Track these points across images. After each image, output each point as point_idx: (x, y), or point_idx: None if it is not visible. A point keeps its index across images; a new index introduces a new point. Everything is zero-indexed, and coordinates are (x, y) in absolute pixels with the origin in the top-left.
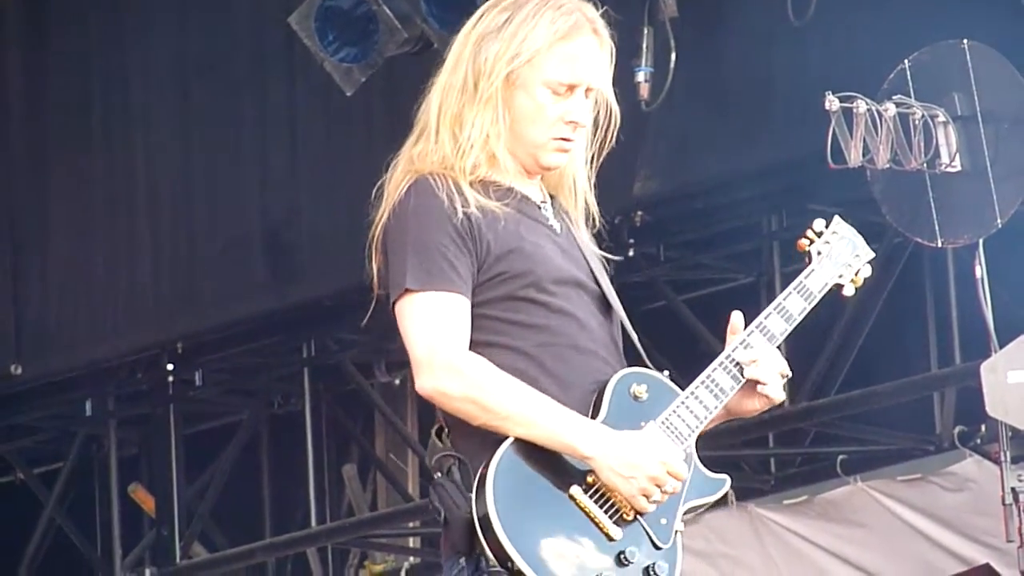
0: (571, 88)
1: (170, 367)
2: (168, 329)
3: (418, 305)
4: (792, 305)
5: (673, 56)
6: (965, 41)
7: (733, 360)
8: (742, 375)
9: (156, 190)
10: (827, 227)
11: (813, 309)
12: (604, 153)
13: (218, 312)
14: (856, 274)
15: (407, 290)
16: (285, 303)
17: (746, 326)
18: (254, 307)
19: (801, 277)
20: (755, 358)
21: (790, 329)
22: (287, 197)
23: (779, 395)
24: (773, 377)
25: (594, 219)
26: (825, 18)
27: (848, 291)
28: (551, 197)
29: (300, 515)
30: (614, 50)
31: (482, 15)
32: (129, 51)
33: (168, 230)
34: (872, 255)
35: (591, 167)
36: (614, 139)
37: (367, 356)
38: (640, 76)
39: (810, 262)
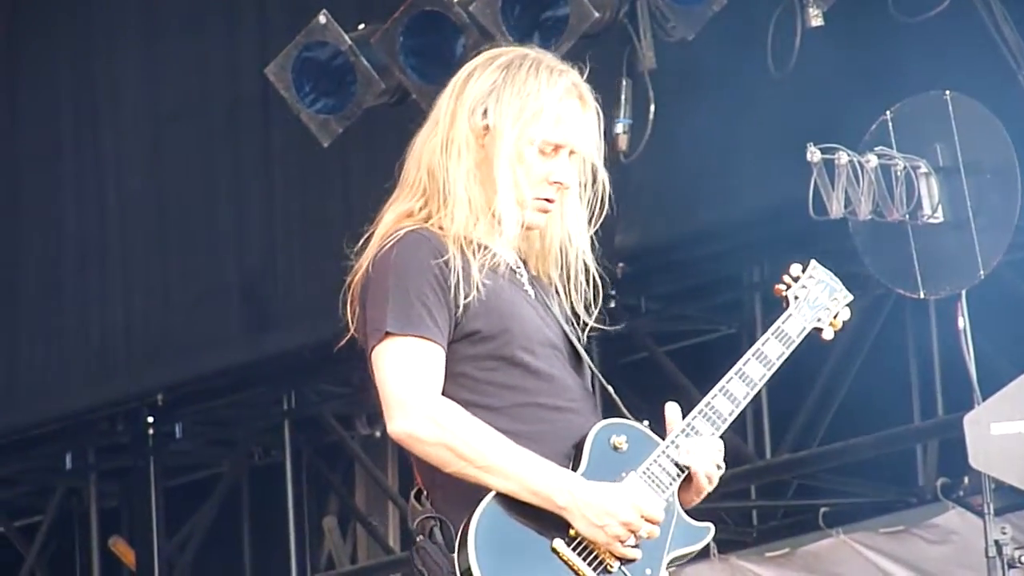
0: (557, 149)
1: (150, 419)
2: (140, 381)
3: (396, 349)
4: (770, 350)
5: (652, 107)
6: (947, 92)
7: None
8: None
9: (128, 239)
10: (803, 271)
11: (793, 359)
12: (596, 219)
13: (193, 364)
14: (835, 317)
15: (387, 333)
16: (261, 354)
17: (725, 372)
18: (230, 358)
19: (779, 322)
20: (691, 449)
21: (769, 374)
22: (262, 247)
23: (705, 485)
24: (706, 467)
25: (591, 291)
26: (806, 69)
27: (827, 334)
28: (524, 263)
29: (281, 568)
30: (600, 115)
31: (470, 74)
32: (100, 98)
33: (141, 280)
34: (850, 298)
35: (591, 231)
36: (604, 204)
37: (348, 408)
38: (619, 128)
39: (787, 307)
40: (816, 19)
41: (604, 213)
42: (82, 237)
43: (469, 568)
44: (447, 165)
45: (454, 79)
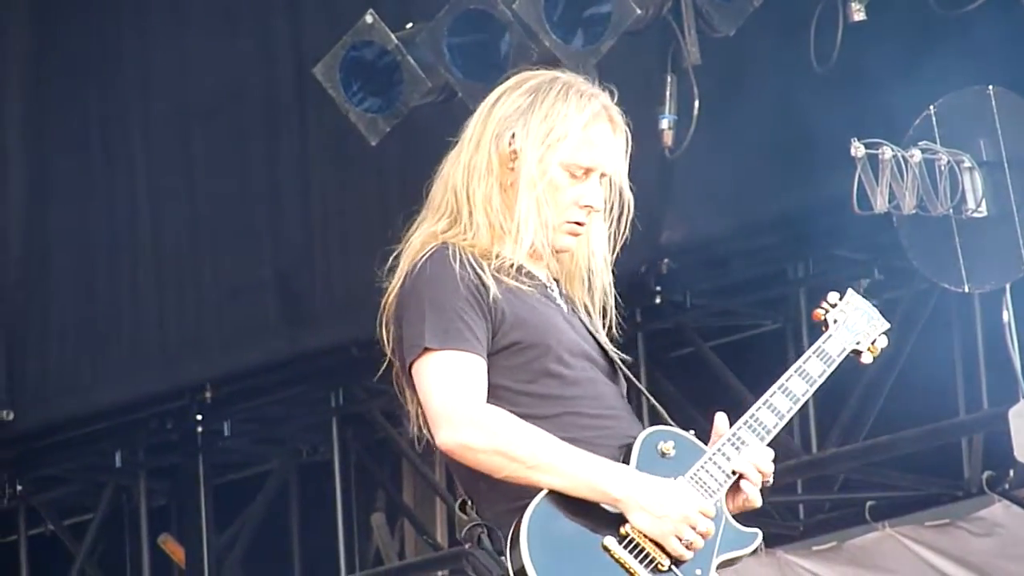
0: (587, 172)
1: (199, 417)
2: (182, 377)
3: (436, 363)
4: (812, 368)
5: (696, 103)
6: (990, 87)
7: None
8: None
9: (161, 238)
10: (841, 299)
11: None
12: (620, 242)
13: (232, 359)
14: (873, 343)
15: (426, 349)
16: (299, 351)
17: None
18: (269, 354)
19: (819, 342)
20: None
21: (811, 391)
22: (298, 244)
23: (756, 500)
24: (755, 475)
25: (609, 316)
26: (849, 64)
27: (866, 359)
28: (556, 282)
29: (329, 563)
30: (629, 138)
31: (501, 96)
32: (131, 96)
33: (174, 278)
34: (887, 326)
35: (611, 256)
36: (629, 230)
37: (395, 405)
38: (664, 123)
39: (826, 329)
40: (859, 13)
41: (627, 238)
42: (113, 235)
43: (523, 567)
44: (471, 188)
45: (484, 102)
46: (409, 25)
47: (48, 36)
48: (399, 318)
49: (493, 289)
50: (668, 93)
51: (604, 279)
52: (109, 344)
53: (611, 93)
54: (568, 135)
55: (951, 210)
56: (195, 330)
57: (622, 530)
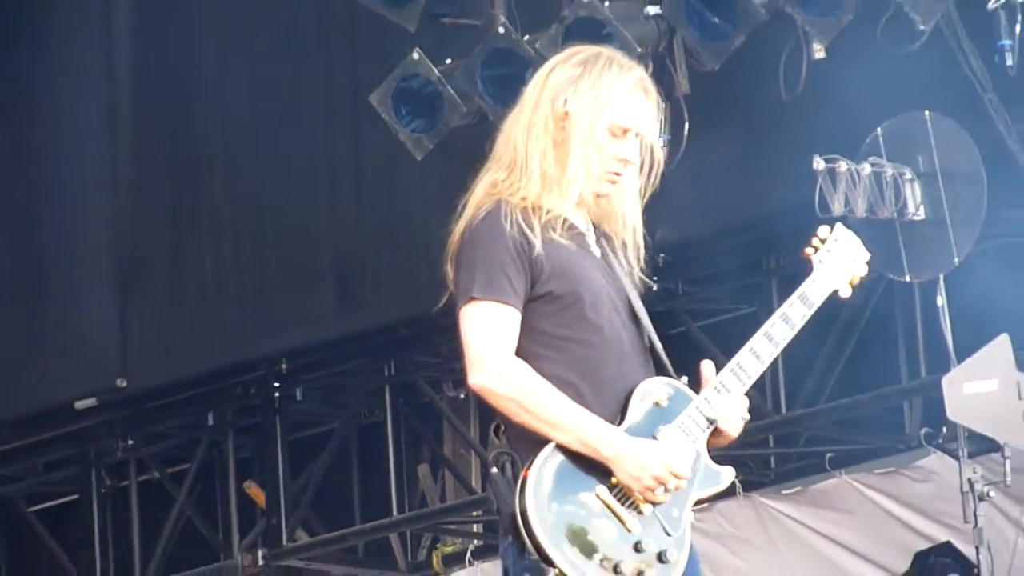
0: (625, 132)
1: (276, 385)
2: (259, 349)
3: (478, 312)
4: (794, 312)
5: (686, 126)
6: (927, 112)
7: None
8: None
9: (242, 237)
10: (831, 233)
11: (802, 334)
12: (650, 190)
13: (299, 338)
14: (853, 276)
15: (472, 298)
16: (357, 329)
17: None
18: (332, 334)
19: (803, 286)
20: (720, 405)
21: (792, 335)
22: (355, 242)
23: (733, 434)
24: (732, 420)
25: (640, 250)
26: (810, 93)
27: (844, 292)
28: (594, 226)
29: (383, 505)
30: (660, 103)
31: (555, 66)
32: (214, 113)
33: (253, 270)
34: (868, 256)
35: (643, 201)
36: (658, 180)
37: (437, 375)
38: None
39: (811, 271)
40: (820, 52)
41: (657, 183)
42: (202, 227)
43: (525, 509)
44: (528, 143)
45: (540, 71)
46: (448, 61)
47: (144, 45)
48: (457, 262)
49: (537, 247)
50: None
51: (636, 219)
52: (202, 324)
53: (645, 67)
54: (612, 101)
55: (895, 214)
56: (271, 313)
57: (612, 479)
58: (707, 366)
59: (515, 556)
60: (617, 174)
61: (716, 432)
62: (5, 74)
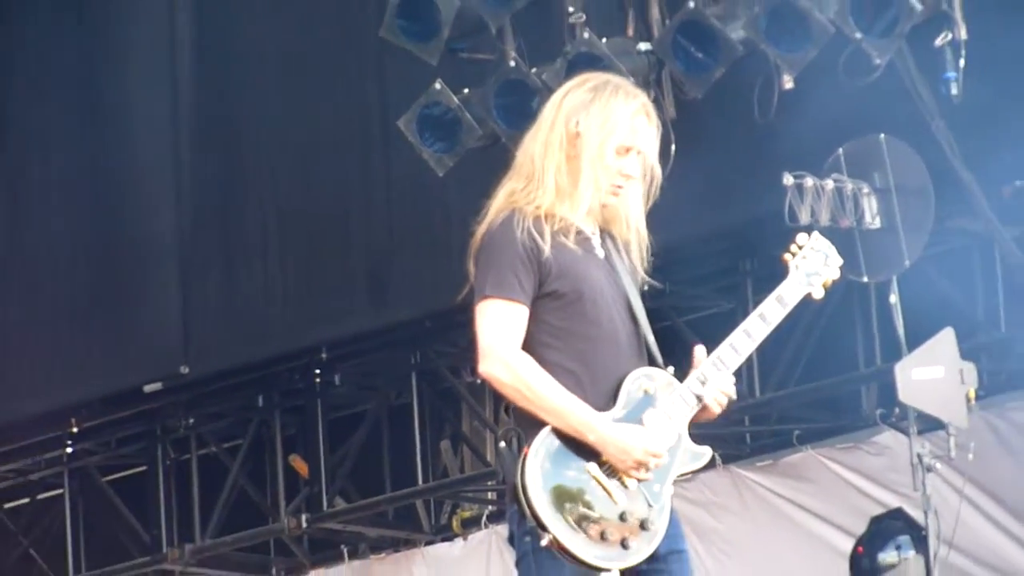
0: (628, 150)
1: (317, 371)
2: (301, 342)
3: (490, 308)
4: (770, 310)
5: (673, 147)
6: (882, 135)
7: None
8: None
9: (287, 241)
10: (808, 240)
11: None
12: (651, 199)
13: (337, 331)
14: (827, 280)
15: (485, 296)
16: (388, 323)
17: (726, 336)
18: (365, 327)
19: (779, 288)
20: (708, 383)
21: (769, 331)
22: (385, 248)
23: (717, 409)
24: (718, 397)
25: (644, 249)
26: (781, 118)
27: (817, 294)
28: (600, 230)
29: (410, 476)
30: (659, 126)
31: (569, 91)
32: (269, 135)
33: (296, 272)
34: (841, 261)
35: (646, 207)
36: (658, 190)
37: (457, 363)
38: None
39: (788, 274)
40: (788, 83)
41: (656, 192)
42: (253, 236)
43: (524, 483)
44: (545, 159)
45: (555, 94)
46: (466, 90)
47: (209, 71)
48: (477, 261)
49: (546, 250)
50: None
51: (640, 222)
52: (253, 319)
53: (648, 94)
54: (619, 124)
55: (855, 223)
56: (312, 310)
57: (602, 457)
58: (699, 350)
59: (518, 521)
60: (620, 187)
61: (704, 408)
62: (82, 97)
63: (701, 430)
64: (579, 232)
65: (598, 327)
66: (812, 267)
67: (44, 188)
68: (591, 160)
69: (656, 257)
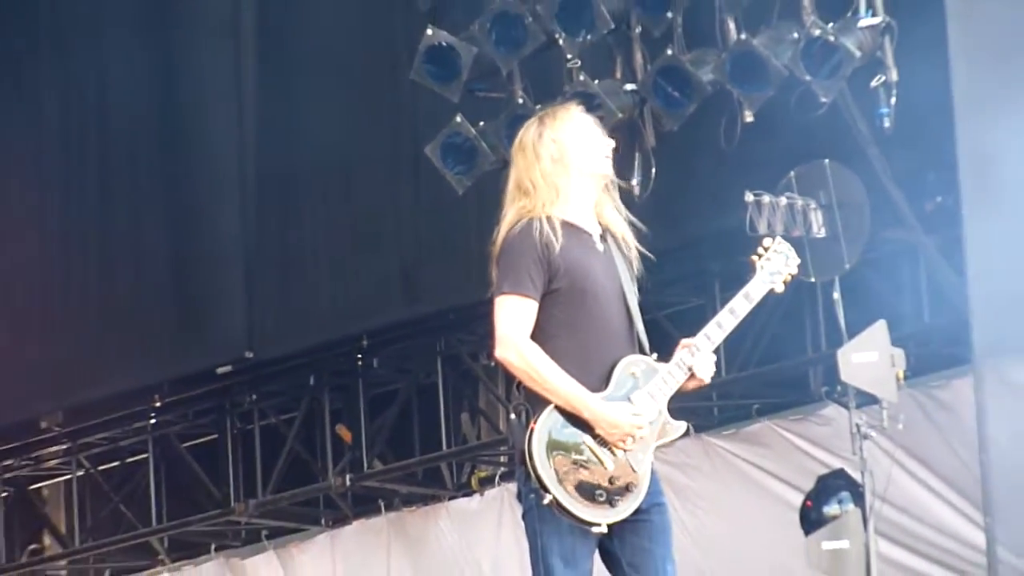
0: (598, 136)
1: (359, 356)
2: (345, 331)
3: (507, 303)
4: (739, 305)
5: (654, 170)
6: (826, 160)
7: (683, 361)
8: (688, 368)
9: (331, 247)
10: (772, 244)
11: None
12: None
13: (374, 321)
14: (787, 276)
15: (503, 292)
16: (417, 315)
17: (699, 327)
18: (398, 318)
19: (747, 285)
20: (697, 359)
21: (737, 322)
22: (415, 252)
23: (706, 379)
24: (706, 371)
25: (631, 244)
26: (742, 146)
27: (778, 288)
28: (602, 227)
29: (435, 442)
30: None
31: (529, 127)
32: (311, 153)
33: (340, 271)
34: (799, 261)
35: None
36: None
37: (476, 349)
38: (633, 182)
39: (754, 273)
40: (749, 117)
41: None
42: (306, 242)
43: (530, 452)
44: (540, 173)
45: (521, 136)
46: (481, 123)
47: (269, 92)
48: (498, 263)
49: (558, 249)
50: (636, 164)
51: (623, 228)
52: (305, 312)
53: (625, 127)
54: (584, 122)
55: (804, 233)
56: (355, 304)
57: (597, 431)
58: (686, 340)
59: (524, 481)
60: (608, 156)
61: (692, 377)
62: (162, 117)
63: (677, 403)
64: (582, 231)
65: (597, 320)
66: (775, 266)
67: (133, 198)
68: (577, 150)
69: (639, 261)
